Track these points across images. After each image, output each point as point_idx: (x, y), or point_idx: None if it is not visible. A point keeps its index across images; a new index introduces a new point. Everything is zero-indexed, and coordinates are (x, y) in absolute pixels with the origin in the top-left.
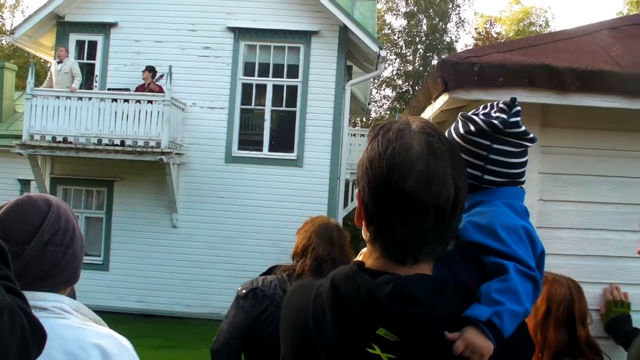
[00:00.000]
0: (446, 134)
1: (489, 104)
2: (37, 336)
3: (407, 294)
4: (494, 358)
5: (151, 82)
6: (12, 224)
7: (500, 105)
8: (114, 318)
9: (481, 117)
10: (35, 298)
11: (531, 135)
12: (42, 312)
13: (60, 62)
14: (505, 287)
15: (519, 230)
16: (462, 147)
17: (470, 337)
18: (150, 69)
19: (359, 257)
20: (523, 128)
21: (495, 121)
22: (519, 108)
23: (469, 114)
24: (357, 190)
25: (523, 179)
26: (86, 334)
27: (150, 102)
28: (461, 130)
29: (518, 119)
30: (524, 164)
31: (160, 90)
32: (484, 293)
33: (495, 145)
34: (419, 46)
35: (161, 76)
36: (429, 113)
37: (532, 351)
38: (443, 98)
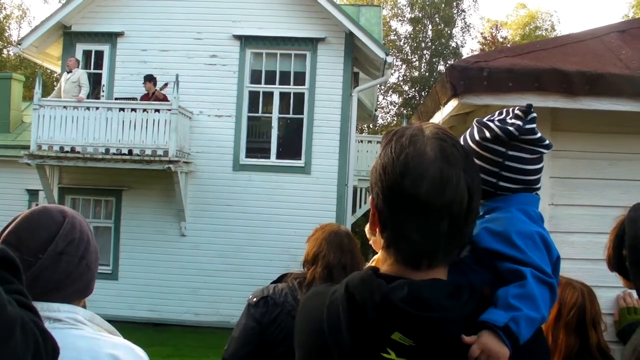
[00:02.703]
0: (461, 139)
1: (504, 110)
2: (50, 350)
3: (422, 298)
4: None
5: (155, 90)
6: (26, 233)
7: (516, 111)
8: (123, 327)
9: (496, 123)
10: (49, 309)
11: (547, 142)
12: (57, 323)
13: (69, 71)
14: (523, 292)
15: (535, 236)
16: (477, 154)
17: (486, 342)
18: (150, 79)
19: (370, 264)
20: (539, 135)
21: (510, 128)
22: (534, 114)
23: (484, 120)
24: (370, 196)
25: (538, 186)
26: (100, 344)
27: (157, 111)
28: (476, 137)
29: (534, 125)
30: (539, 171)
31: (165, 98)
32: (501, 298)
33: (510, 152)
34: (425, 52)
35: (166, 85)
36: (438, 118)
37: (548, 357)
38: (452, 103)
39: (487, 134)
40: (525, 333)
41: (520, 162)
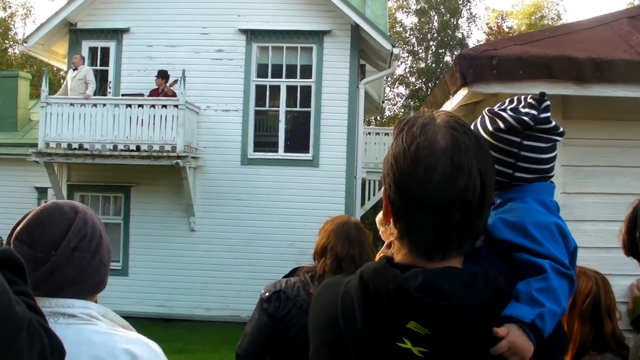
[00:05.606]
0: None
1: (514, 99)
2: (55, 352)
3: (436, 286)
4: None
5: (165, 86)
6: (38, 229)
7: (529, 100)
8: (133, 323)
9: (509, 113)
10: (64, 305)
11: (561, 130)
12: (71, 319)
13: (75, 69)
14: (545, 286)
15: (552, 227)
16: (491, 145)
17: (515, 338)
18: (163, 75)
19: (379, 255)
20: (553, 123)
21: (525, 117)
22: (548, 103)
23: (496, 109)
24: (383, 187)
25: (552, 174)
26: (115, 339)
27: (164, 106)
28: (490, 128)
29: (548, 114)
30: (553, 159)
31: (174, 95)
32: (523, 292)
33: (525, 142)
34: (431, 43)
35: (175, 81)
36: (447, 108)
37: (567, 344)
38: (462, 93)
39: (501, 125)
40: (549, 328)
41: (536, 151)
